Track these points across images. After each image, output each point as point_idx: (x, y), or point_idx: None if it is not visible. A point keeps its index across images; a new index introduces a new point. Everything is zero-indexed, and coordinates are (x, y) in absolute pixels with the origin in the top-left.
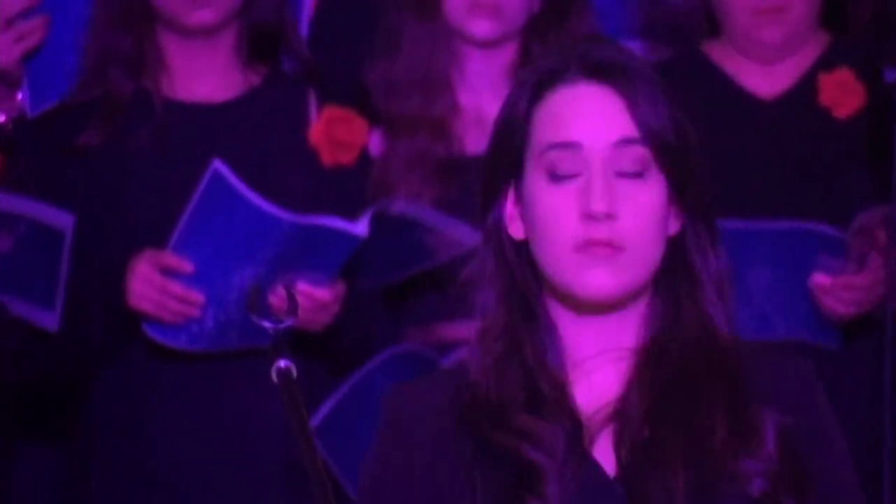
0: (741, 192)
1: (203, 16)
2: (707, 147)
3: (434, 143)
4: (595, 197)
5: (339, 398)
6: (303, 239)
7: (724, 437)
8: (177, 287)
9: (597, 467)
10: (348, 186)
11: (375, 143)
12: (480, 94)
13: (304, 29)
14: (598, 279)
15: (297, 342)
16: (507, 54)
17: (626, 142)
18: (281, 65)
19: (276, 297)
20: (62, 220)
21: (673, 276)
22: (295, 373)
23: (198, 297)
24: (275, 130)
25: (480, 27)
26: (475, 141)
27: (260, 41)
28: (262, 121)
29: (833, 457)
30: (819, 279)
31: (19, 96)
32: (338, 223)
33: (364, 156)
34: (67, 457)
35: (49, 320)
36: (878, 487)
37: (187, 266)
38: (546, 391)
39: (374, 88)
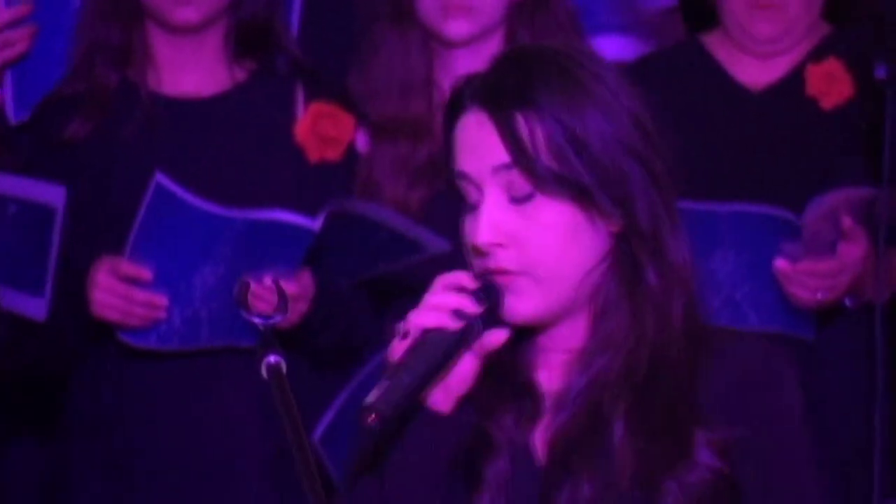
0: (728, 182)
1: (187, 14)
2: (694, 136)
3: (417, 146)
4: (478, 230)
5: (338, 409)
6: (257, 234)
7: (634, 450)
8: (139, 293)
9: (532, 452)
10: (334, 182)
11: (363, 139)
12: None
13: (293, 29)
14: (512, 306)
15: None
16: (493, 47)
17: (503, 168)
18: (271, 60)
19: (265, 293)
20: (53, 195)
21: (621, 273)
22: (285, 368)
23: (161, 300)
24: (261, 125)
25: (455, 28)
26: None
27: (249, 37)
28: (248, 116)
29: (787, 461)
30: (780, 265)
31: None
32: (289, 217)
33: (351, 151)
34: (52, 456)
35: (37, 309)
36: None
37: (145, 273)
38: (510, 365)
39: (356, 94)
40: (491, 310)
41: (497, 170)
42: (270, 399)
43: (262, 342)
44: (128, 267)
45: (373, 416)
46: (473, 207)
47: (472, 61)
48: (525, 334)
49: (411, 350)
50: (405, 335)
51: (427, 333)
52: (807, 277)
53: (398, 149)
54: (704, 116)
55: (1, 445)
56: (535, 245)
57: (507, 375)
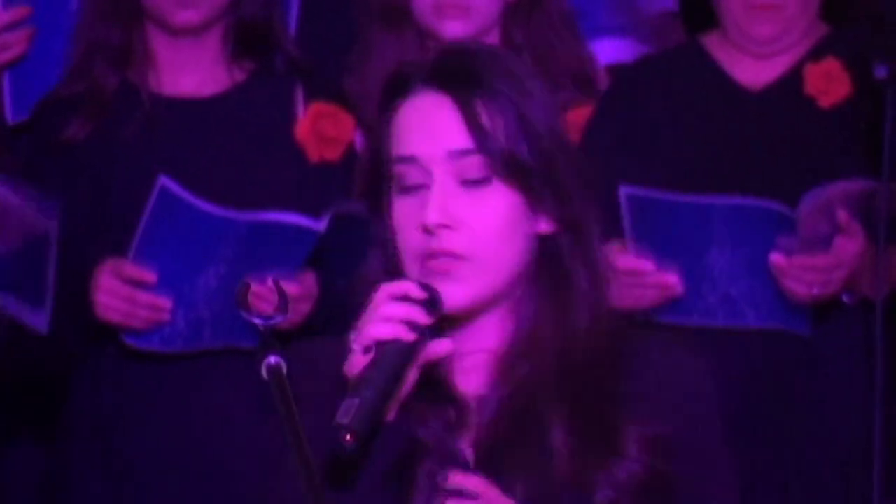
0: (727, 182)
1: (188, 16)
2: (693, 137)
3: None
4: (429, 209)
5: None
6: (261, 236)
7: (571, 447)
8: (143, 295)
9: (460, 454)
10: (334, 182)
11: (360, 140)
12: None
13: (291, 29)
14: (452, 293)
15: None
16: None
17: (462, 153)
18: (270, 60)
19: (266, 293)
20: (47, 225)
21: (544, 277)
22: (285, 368)
23: (165, 302)
24: (261, 126)
25: (451, 28)
26: None
27: (248, 37)
28: (248, 116)
29: (706, 465)
30: (776, 259)
31: None
32: (293, 218)
33: (350, 151)
34: (51, 457)
35: (38, 321)
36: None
37: (149, 276)
38: (430, 378)
39: (352, 95)
40: (433, 304)
41: (453, 154)
42: (271, 400)
43: (262, 343)
44: (131, 269)
45: (349, 435)
46: (411, 189)
47: None
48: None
49: (372, 364)
50: (367, 350)
51: (383, 346)
52: (802, 272)
53: None
54: (703, 117)
55: (1, 446)
56: (481, 230)
57: (427, 382)
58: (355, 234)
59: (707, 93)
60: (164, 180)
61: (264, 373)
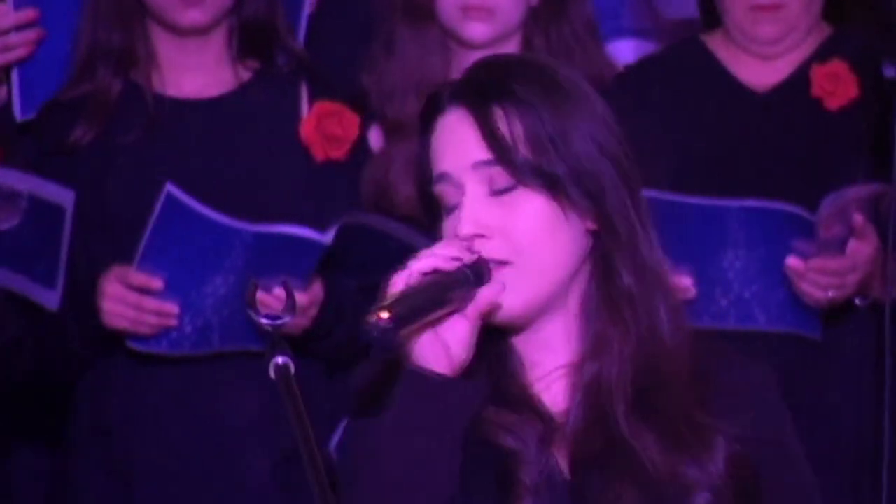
0: (734, 183)
1: (194, 16)
2: (698, 137)
3: None
4: (460, 222)
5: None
6: (268, 247)
7: (667, 450)
8: (150, 302)
9: (556, 466)
10: (341, 181)
11: (376, 137)
12: None
13: (302, 28)
14: (501, 300)
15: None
16: (510, 51)
17: (482, 164)
18: (274, 60)
19: (272, 302)
20: (62, 195)
21: (598, 277)
22: (293, 369)
23: (172, 308)
24: (266, 126)
25: (474, 30)
26: None
27: (252, 36)
28: (252, 116)
29: (790, 469)
30: (792, 262)
31: (3, 91)
32: (299, 231)
33: (357, 149)
34: (58, 461)
35: (50, 299)
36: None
37: (156, 283)
38: (513, 391)
39: (370, 93)
40: (478, 273)
41: (477, 166)
42: (280, 401)
43: (270, 343)
44: (137, 276)
45: (386, 312)
46: (453, 209)
47: None
48: (515, 355)
49: (413, 285)
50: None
51: (427, 275)
52: (818, 275)
53: (413, 148)
54: (709, 118)
55: (8, 451)
56: (518, 232)
57: (516, 399)
58: (363, 244)
59: (712, 94)
60: (170, 188)
61: (272, 373)
